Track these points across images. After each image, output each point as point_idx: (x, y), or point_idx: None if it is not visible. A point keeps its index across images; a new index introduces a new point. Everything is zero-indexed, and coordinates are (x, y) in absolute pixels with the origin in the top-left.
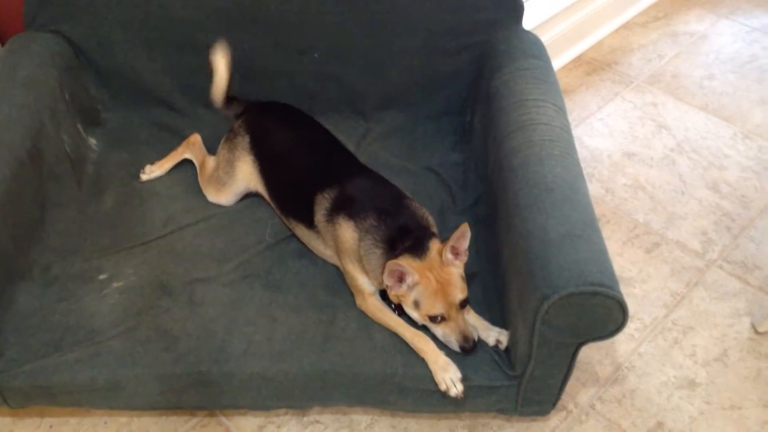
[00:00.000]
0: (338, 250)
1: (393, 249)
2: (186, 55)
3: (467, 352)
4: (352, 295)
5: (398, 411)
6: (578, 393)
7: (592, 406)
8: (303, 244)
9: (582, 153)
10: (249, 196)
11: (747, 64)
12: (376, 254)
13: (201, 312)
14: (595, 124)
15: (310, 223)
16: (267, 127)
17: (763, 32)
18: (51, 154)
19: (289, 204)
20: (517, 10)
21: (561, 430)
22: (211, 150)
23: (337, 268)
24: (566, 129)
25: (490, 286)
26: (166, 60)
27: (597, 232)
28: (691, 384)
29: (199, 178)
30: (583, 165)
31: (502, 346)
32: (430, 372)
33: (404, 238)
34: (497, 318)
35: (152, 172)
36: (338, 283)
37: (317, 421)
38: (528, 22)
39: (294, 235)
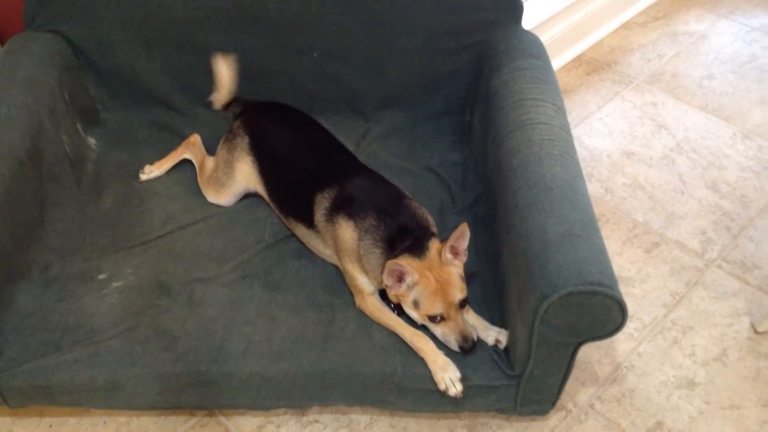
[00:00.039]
0: (338, 250)
1: (392, 249)
2: (186, 54)
3: (466, 351)
4: (351, 294)
5: (397, 410)
6: (577, 392)
7: (592, 406)
8: (302, 243)
9: (581, 153)
10: (248, 196)
11: (746, 64)
12: (375, 254)
13: (200, 312)
14: (594, 123)
15: (309, 223)
16: (266, 127)
17: (762, 32)
18: (50, 153)
19: (289, 204)
20: (517, 10)
21: (560, 430)
22: (211, 150)
23: (336, 267)
24: (565, 129)
25: (490, 286)
26: (166, 60)
27: (596, 231)
28: (691, 383)
29: (199, 179)
30: (582, 165)
31: (502, 346)
32: (430, 371)
33: (404, 237)
34: (496, 317)
35: (152, 172)
36: (337, 282)
37: (316, 421)
38: (528, 22)
39: (293, 235)
